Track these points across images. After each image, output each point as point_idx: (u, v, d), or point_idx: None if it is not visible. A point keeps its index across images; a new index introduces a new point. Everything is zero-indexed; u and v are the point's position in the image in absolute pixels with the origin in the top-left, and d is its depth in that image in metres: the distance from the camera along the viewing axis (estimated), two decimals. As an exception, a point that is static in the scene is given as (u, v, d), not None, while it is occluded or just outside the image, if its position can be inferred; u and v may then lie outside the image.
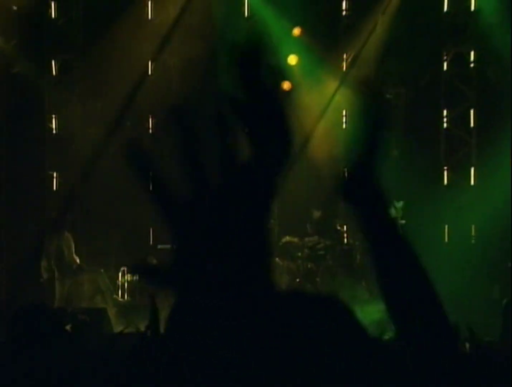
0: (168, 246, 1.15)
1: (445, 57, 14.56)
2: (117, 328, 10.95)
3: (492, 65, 14.27)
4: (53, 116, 14.64)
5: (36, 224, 13.67)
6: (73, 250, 13.18)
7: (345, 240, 14.46)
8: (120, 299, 13.57)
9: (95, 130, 13.97)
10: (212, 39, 14.45)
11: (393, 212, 12.25)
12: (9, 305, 11.03)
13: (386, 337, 1.70)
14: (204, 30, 14.43)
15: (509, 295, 10.44)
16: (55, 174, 14.60)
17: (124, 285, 13.70)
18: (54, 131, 14.69)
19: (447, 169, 14.57)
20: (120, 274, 13.65)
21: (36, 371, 3.60)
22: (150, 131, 14.47)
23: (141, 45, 14.52)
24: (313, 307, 1.11)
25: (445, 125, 14.65)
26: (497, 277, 13.13)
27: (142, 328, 5.39)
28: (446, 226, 14.25)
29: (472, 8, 14.38)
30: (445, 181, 14.56)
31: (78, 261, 13.19)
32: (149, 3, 14.70)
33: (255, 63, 1.10)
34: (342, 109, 14.72)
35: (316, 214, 14.08)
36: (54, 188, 14.63)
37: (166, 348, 1.07)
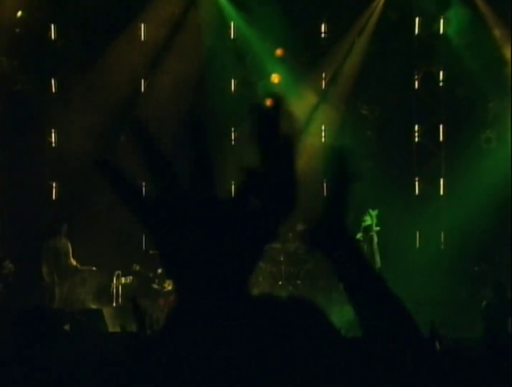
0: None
1: (416, 76, 14.63)
2: (112, 328, 10.90)
3: (459, 84, 14.36)
4: (53, 130, 14.63)
5: (37, 230, 13.59)
6: (71, 255, 13.12)
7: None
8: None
9: (91, 143, 13.93)
10: (201, 59, 14.50)
11: (368, 219, 12.28)
12: (9, 307, 10.95)
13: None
14: (194, 51, 14.46)
15: (475, 297, 10.49)
16: (54, 184, 14.59)
17: (119, 288, 13.62)
18: (53, 145, 14.67)
19: (419, 180, 14.63)
20: (114, 278, 13.57)
21: (36, 370, 3.56)
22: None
23: (134, 64, 14.54)
24: (288, 310, 1.10)
25: (416, 139, 14.71)
26: (464, 280, 13.17)
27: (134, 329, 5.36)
28: (418, 233, 14.29)
29: (441, 31, 14.48)
30: (417, 191, 14.61)
31: (75, 264, 13.13)
32: (142, 25, 14.70)
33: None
34: (321, 124, 14.78)
35: (300, 226, 14.07)
36: (54, 197, 14.62)
37: (160, 347, 1.06)
